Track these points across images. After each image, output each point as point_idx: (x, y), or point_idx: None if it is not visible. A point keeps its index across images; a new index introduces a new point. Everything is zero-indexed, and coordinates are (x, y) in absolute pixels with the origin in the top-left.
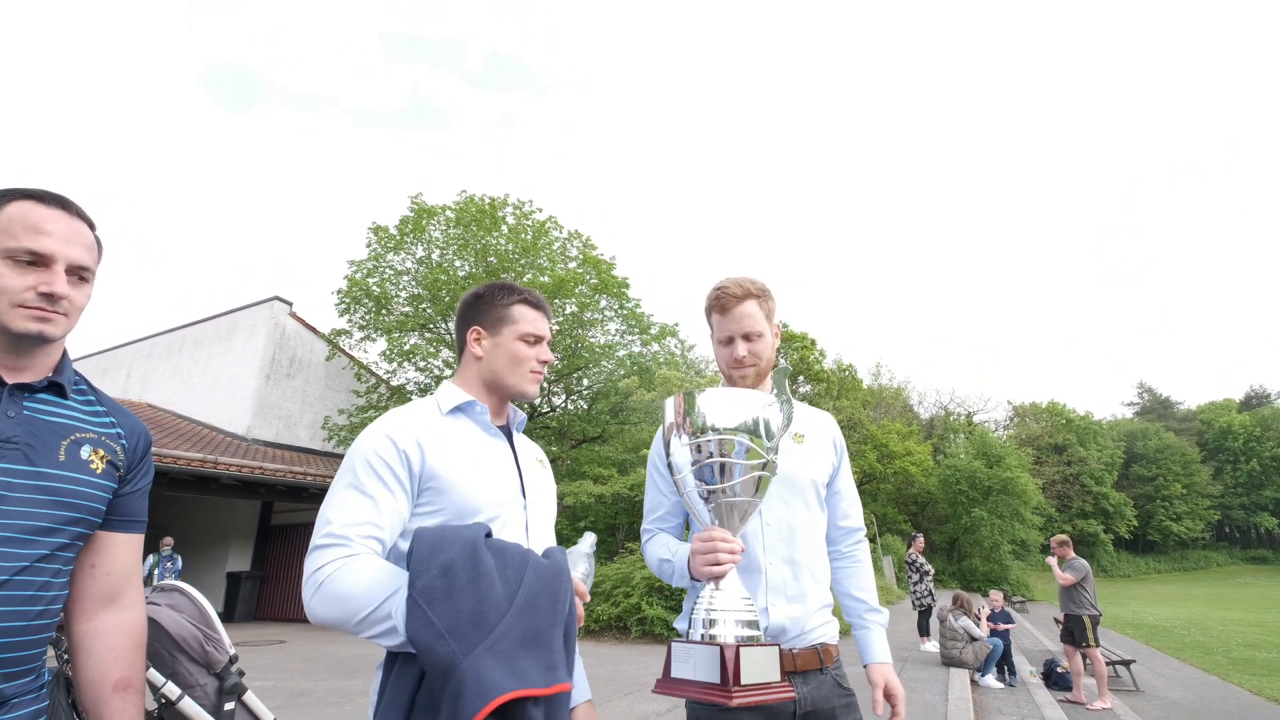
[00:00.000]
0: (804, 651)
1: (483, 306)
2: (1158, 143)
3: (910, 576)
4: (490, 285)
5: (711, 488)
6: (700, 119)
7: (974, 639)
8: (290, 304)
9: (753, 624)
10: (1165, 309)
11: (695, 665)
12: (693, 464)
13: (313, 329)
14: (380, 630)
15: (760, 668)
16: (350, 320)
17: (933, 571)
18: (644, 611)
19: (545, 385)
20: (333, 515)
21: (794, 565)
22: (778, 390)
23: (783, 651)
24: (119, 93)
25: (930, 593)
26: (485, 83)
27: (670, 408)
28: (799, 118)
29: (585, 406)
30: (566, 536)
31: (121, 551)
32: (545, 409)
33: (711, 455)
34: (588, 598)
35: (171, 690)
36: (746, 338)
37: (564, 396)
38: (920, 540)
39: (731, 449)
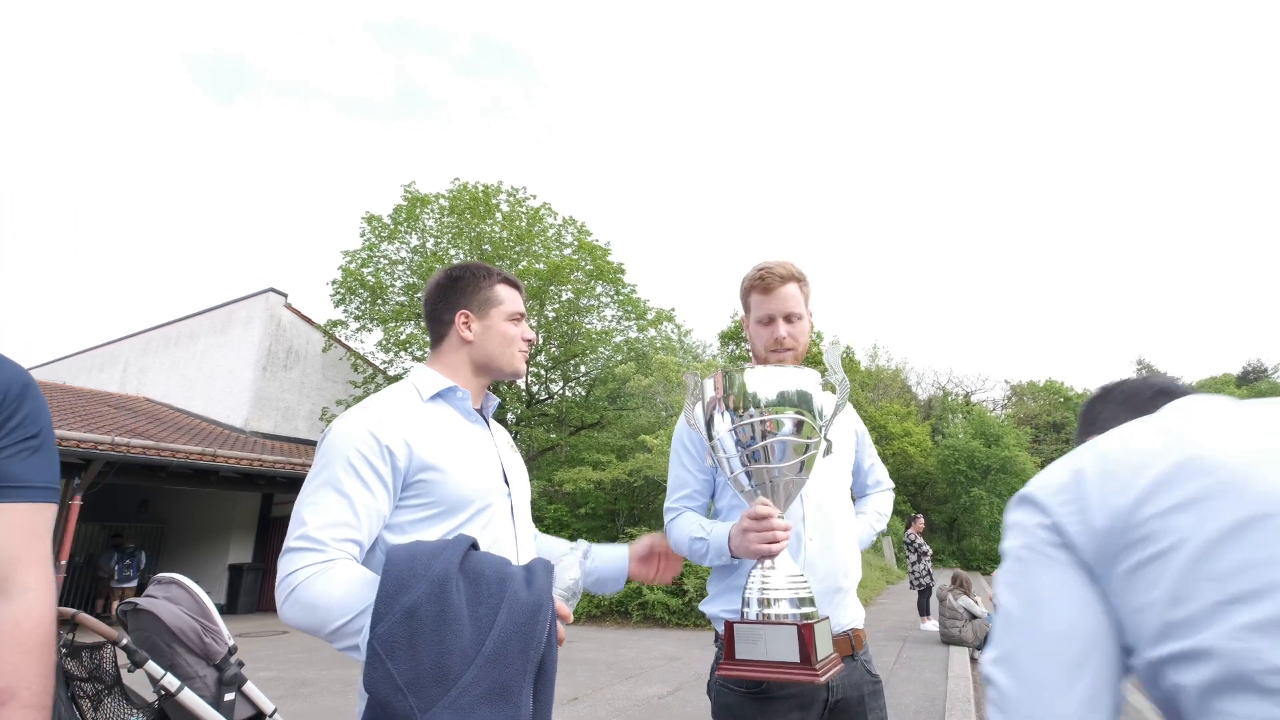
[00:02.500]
0: (837, 638)
1: (466, 289)
2: (1152, 117)
3: (909, 557)
4: (465, 266)
5: (760, 466)
6: (692, 101)
7: (974, 617)
8: (285, 295)
9: (811, 600)
10: (1162, 284)
11: (768, 646)
12: (737, 443)
13: (308, 320)
14: (350, 644)
15: (824, 642)
16: (346, 311)
17: (931, 552)
18: (645, 596)
19: (543, 372)
20: (308, 516)
21: (831, 546)
22: (832, 369)
23: None
24: (106, 84)
25: (929, 572)
26: (475, 69)
27: (709, 385)
28: (792, 98)
29: (583, 393)
30: (566, 524)
31: None
32: (543, 396)
33: (755, 436)
34: (570, 618)
35: (171, 682)
36: (787, 319)
37: (561, 383)
38: (920, 521)
39: (780, 427)
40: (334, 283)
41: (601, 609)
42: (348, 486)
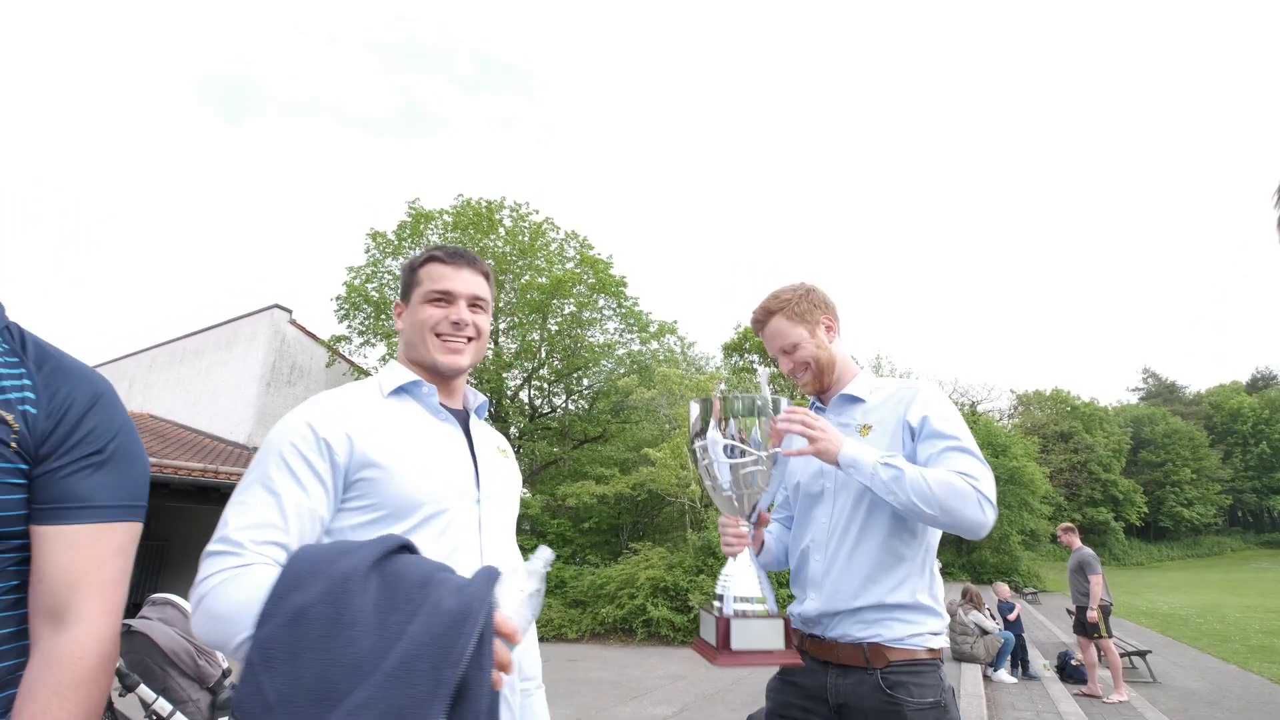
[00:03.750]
0: (844, 646)
1: (404, 278)
2: (1160, 129)
3: None
4: (414, 255)
5: (728, 480)
6: (695, 112)
7: (985, 633)
8: (290, 311)
9: (753, 599)
10: (1169, 294)
11: (706, 629)
12: (702, 462)
13: (313, 336)
14: None
15: (757, 636)
16: (350, 326)
17: (940, 565)
18: (649, 613)
19: (545, 386)
20: (231, 516)
21: (840, 561)
22: (759, 390)
23: (822, 640)
24: (119, 104)
25: None
26: (477, 86)
27: (693, 408)
28: (795, 107)
29: (586, 406)
30: (570, 538)
31: (54, 549)
32: (546, 409)
33: (713, 456)
34: (519, 639)
35: (163, 706)
36: (784, 352)
37: (564, 397)
38: None
39: (719, 451)
40: (338, 298)
41: (605, 626)
42: (278, 484)
